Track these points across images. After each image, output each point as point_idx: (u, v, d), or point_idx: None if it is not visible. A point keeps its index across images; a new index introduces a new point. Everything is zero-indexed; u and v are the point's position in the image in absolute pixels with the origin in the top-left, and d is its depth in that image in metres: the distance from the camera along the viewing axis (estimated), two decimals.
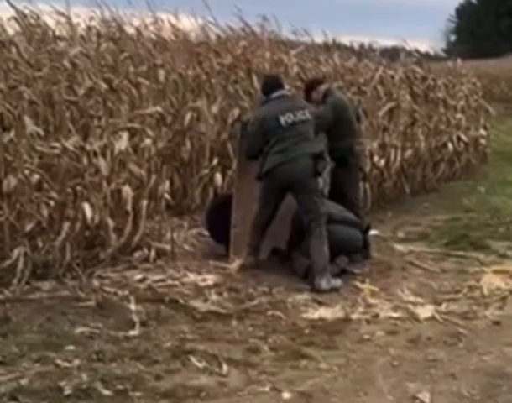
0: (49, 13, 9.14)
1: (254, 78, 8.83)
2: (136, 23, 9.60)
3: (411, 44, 14.82)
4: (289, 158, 6.30)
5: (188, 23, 10.17)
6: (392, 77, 10.73)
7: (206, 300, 5.68)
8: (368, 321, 5.41)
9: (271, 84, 6.65)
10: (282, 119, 6.34)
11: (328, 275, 6.11)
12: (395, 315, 5.54)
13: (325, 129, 6.96)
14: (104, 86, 7.05)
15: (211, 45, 9.56)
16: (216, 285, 6.05)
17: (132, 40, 8.93)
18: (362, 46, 17.80)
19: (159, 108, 7.45)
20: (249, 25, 10.20)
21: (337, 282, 6.15)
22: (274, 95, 6.53)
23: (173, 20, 9.89)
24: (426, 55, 22.05)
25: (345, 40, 14.50)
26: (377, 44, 15.94)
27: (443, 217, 9.04)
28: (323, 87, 7.30)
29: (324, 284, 6.05)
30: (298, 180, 6.30)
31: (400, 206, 9.59)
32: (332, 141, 6.98)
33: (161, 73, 8.27)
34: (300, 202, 6.38)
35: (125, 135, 6.52)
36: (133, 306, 5.39)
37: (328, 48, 12.18)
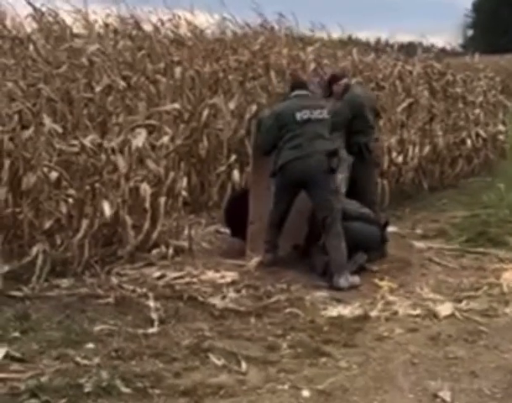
0: (67, 11, 9.20)
1: (272, 74, 8.81)
2: (153, 20, 9.62)
3: (428, 40, 14.70)
4: (303, 154, 6.29)
5: (205, 20, 10.18)
6: (410, 73, 10.67)
7: (224, 298, 5.67)
8: (387, 319, 5.38)
9: (294, 84, 6.75)
10: (298, 115, 6.35)
11: (346, 273, 6.08)
12: (415, 312, 5.50)
13: (342, 126, 6.97)
14: (122, 83, 7.06)
15: (227, 42, 9.55)
16: (234, 282, 6.03)
17: (149, 37, 8.93)
18: (378, 42, 17.74)
19: (176, 105, 7.45)
20: (267, 21, 10.19)
21: (356, 279, 6.12)
22: (294, 93, 6.57)
23: (189, 17, 9.91)
24: (443, 51, 21.92)
25: (361, 36, 14.43)
26: (394, 39, 15.84)
27: (462, 213, 8.97)
28: (344, 81, 7.31)
29: (342, 281, 6.02)
30: (311, 177, 6.28)
31: (418, 203, 9.53)
32: (349, 136, 7.01)
33: (178, 70, 8.26)
34: (313, 199, 6.36)
35: (143, 132, 6.52)
36: (151, 304, 5.39)
37: (345, 44, 12.15)
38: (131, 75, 7.40)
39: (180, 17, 9.83)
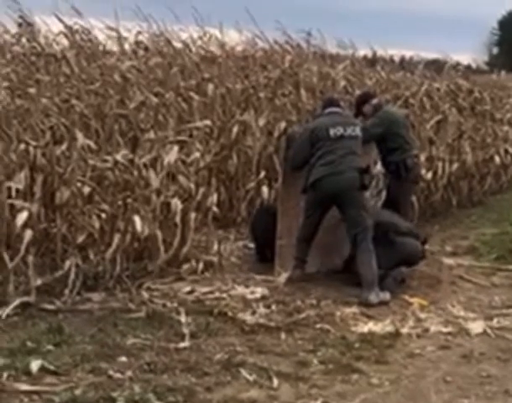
0: (101, 29, 9.32)
1: (302, 92, 8.84)
2: (183, 37, 9.72)
3: (453, 58, 14.66)
4: (336, 170, 6.31)
5: (234, 38, 10.26)
6: (438, 90, 10.66)
7: (254, 313, 5.68)
8: (418, 336, 5.36)
9: (327, 102, 6.79)
10: (331, 131, 6.37)
11: (377, 289, 6.07)
12: (446, 330, 5.48)
13: (370, 141, 6.97)
14: (155, 99, 7.12)
15: (257, 59, 9.62)
16: (263, 297, 6.04)
17: (179, 54, 9.01)
18: (403, 59, 17.73)
19: (208, 122, 7.50)
20: (294, 39, 10.26)
21: (386, 295, 6.10)
22: (328, 110, 6.60)
23: (219, 35, 9.99)
24: (468, 68, 21.84)
25: (386, 53, 14.40)
26: (418, 56, 15.81)
27: (491, 230, 8.92)
28: (375, 101, 7.30)
29: (373, 297, 6.01)
30: (344, 193, 6.30)
31: (447, 220, 9.51)
32: (384, 155, 7.05)
33: (210, 87, 8.31)
34: (345, 215, 6.37)
35: (175, 148, 6.58)
36: (182, 318, 5.41)
37: (373, 62, 12.19)
38: (163, 91, 7.47)
39: (210, 35, 9.90)
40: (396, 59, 17.48)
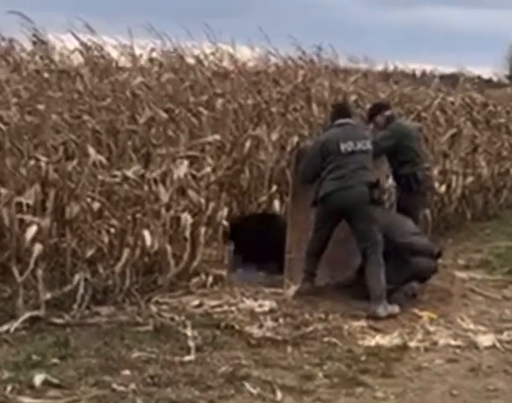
0: (114, 46, 9.41)
1: (314, 106, 8.85)
2: (196, 53, 9.78)
3: (474, 71, 14.58)
4: (346, 185, 6.29)
5: (247, 54, 10.31)
6: (452, 103, 10.64)
7: (261, 326, 5.67)
8: (426, 349, 5.33)
9: (337, 112, 6.73)
10: (342, 146, 6.33)
11: (385, 302, 6.04)
12: (455, 343, 5.45)
13: (381, 154, 6.96)
14: (164, 115, 7.17)
15: (269, 74, 9.65)
16: (271, 310, 6.04)
17: (192, 70, 9.07)
18: (424, 74, 17.71)
19: (217, 136, 7.53)
20: (307, 54, 10.30)
21: (395, 308, 6.07)
22: (338, 122, 6.55)
23: (231, 50, 10.04)
24: (489, 82, 21.68)
25: (405, 67, 14.35)
26: (437, 70, 15.76)
27: (505, 243, 8.88)
28: (388, 112, 7.28)
29: (381, 310, 5.98)
30: (353, 207, 6.28)
31: (461, 233, 9.48)
32: (395, 168, 7.04)
33: (220, 102, 8.34)
34: (355, 230, 6.35)
35: (184, 163, 6.61)
36: (189, 332, 5.41)
37: (388, 75, 12.18)
38: (173, 107, 7.52)
39: (223, 51, 9.94)
40: (418, 73, 17.48)
